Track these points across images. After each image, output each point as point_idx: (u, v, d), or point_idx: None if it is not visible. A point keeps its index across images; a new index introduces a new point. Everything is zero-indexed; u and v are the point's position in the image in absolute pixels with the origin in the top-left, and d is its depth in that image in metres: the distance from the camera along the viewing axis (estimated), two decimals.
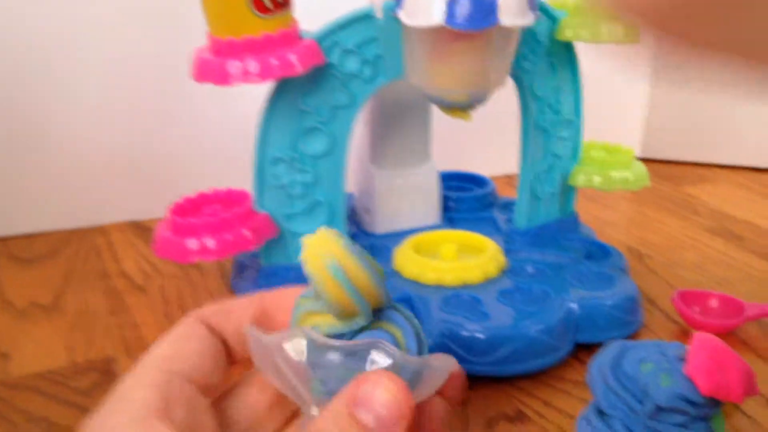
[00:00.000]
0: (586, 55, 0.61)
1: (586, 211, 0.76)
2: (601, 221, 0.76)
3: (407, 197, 0.64)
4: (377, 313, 0.27)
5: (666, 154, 0.97)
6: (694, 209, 0.80)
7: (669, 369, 0.38)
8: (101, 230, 0.73)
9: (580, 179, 0.61)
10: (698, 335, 0.39)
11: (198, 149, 0.73)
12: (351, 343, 0.25)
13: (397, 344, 0.26)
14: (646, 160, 0.95)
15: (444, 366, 0.26)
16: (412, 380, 0.25)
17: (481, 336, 0.49)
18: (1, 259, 0.68)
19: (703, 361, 0.37)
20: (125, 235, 0.72)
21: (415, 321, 0.27)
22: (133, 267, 0.66)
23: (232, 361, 0.30)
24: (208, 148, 0.73)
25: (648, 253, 0.69)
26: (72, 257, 0.68)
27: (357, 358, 0.24)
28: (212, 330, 0.29)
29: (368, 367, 0.24)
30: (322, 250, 0.25)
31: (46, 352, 0.53)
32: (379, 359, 0.24)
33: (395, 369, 0.24)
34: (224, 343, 0.30)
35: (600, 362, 0.41)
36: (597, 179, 0.61)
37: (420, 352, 0.26)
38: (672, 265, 0.67)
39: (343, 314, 0.26)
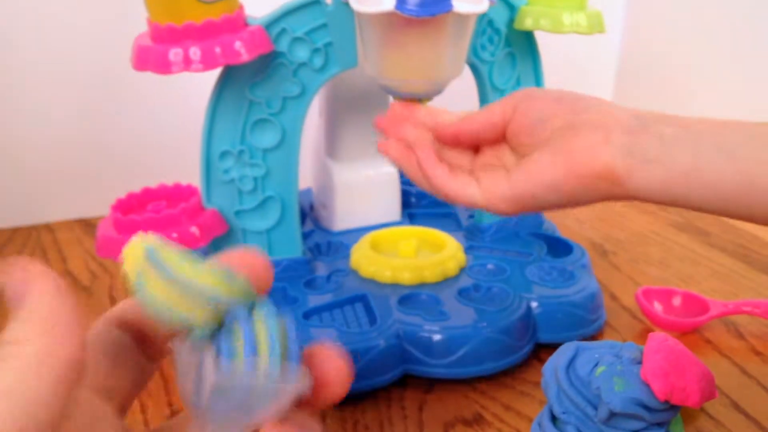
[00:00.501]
0: (548, 44, 0.59)
1: None
2: (565, 215, 0.74)
3: (366, 191, 0.62)
4: (230, 314, 0.24)
5: None
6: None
7: (623, 372, 0.36)
8: (48, 228, 0.70)
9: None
10: (654, 336, 0.37)
11: (149, 143, 0.71)
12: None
13: (233, 353, 0.23)
14: None
15: (280, 381, 0.23)
16: (242, 396, 0.22)
17: (439, 337, 0.47)
18: None
19: (658, 364, 0.35)
20: (73, 233, 0.69)
21: (274, 328, 0.24)
22: (80, 266, 0.63)
23: (155, 355, 0.27)
24: (159, 142, 0.71)
25: (612, 249, 0.68)
26: (14, 256, 0.65)
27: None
28: (126, 326, 0.26)
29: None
30: (130, 260, 0.23)
31: None
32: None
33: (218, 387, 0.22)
34: (142, 338, 0.27)
35: (553, 364, 0.39)
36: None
37: (270, 363, 0.23)
38: (636, 261, 0.66)
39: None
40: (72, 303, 0.22)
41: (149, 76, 0.47)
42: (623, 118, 0.36)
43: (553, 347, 0.51)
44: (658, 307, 0.56)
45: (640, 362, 0.37)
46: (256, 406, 0.22)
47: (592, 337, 0.53)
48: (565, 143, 0.36)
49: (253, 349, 0.23)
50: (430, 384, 0.48)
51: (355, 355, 0.45)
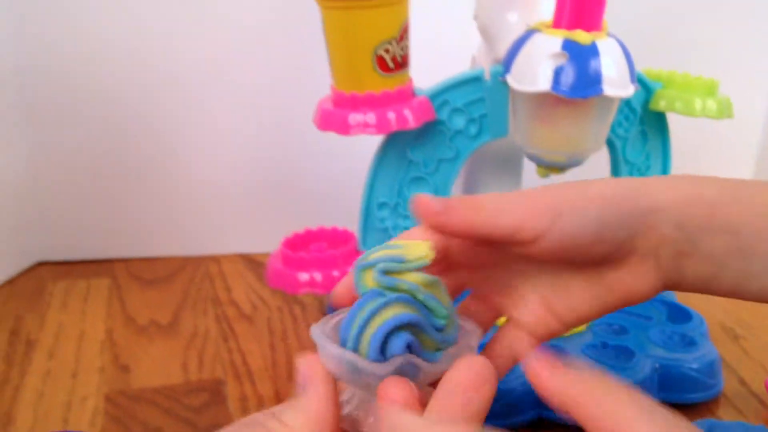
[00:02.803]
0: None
1: None
2: (696, 296, 0.73)
3: None
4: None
5: None
6: None
7: None
8: (214, 259, 0.79)
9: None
10: None
11: (308, 191, 0.78)
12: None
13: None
14: None
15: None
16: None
17: None
18: (124, 277, 0.74)
19: None
20: (236, 266, 0.77)
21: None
22: (243, 297, 0.71)
23: None
24: (317, 191, 0.78)
25: (743, 334, 0.67)
26: (188, 282, 0.74)
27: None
28: None
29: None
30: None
31: (163, 369, 0.59)
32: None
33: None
34: None
35: None
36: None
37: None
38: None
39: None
40: (334, 411, 0.31)
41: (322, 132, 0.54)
42: None
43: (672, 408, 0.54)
44: None
45: None
46: None
47: (713, 406, 0.55)
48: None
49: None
50: None
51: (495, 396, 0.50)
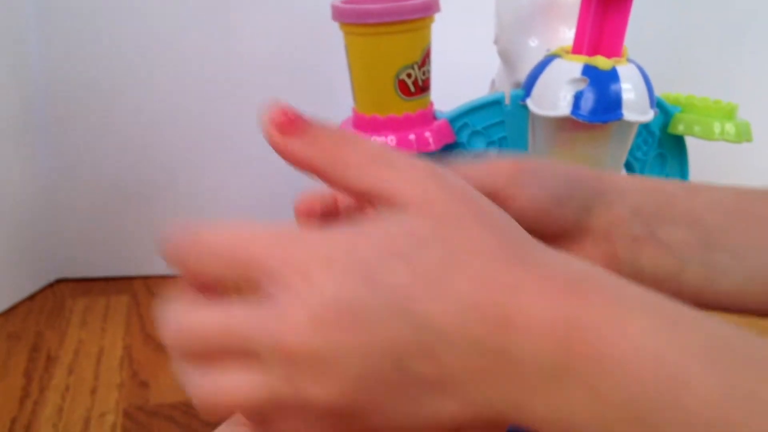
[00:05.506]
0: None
1: None
2: None
3: None
4: None
5: None
6: None
7: None
8: None
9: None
10: None
11: None
12: None
13: None
14: None
15: None
16: None
17: None
18: (143, 295, 0.75)
19: None
20: None
21: None
22: None
23: None
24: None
25: None
26: None
27: None
28: None
29: None
30: None
31: (181, 385, 0.59)
32: None
33: None
34: None
35: None
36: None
37: None
38: None
39: None
40: None
41: None
42: None
43: None
44: None
45: None
46: None
47: None
48: None
49: None
50: None
51: None
